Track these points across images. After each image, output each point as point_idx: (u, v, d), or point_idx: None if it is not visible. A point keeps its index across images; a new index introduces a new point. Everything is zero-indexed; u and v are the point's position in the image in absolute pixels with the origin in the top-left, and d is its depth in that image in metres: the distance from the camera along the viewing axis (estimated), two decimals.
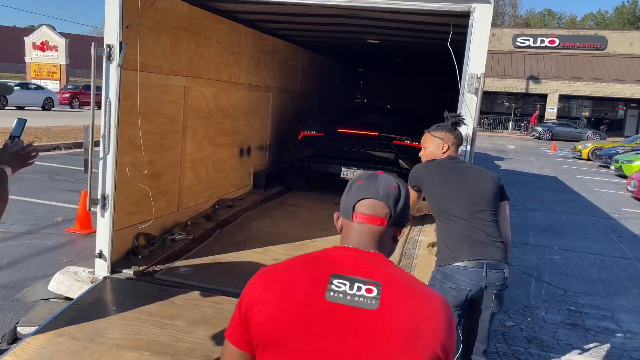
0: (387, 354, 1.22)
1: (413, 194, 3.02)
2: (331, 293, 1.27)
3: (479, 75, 3.60)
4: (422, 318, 1.26)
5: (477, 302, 2.83)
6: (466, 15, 3.67)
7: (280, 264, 1.40)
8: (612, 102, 40.56)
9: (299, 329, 1.25)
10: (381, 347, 1.22)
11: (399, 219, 1.42)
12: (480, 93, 3.59)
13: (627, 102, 39.68)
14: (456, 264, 2.75)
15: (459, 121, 3.03)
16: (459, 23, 3.99)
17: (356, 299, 1.26)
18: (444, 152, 3.02)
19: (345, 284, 1.28)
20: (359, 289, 1.27)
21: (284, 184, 8.59)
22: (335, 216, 1.50)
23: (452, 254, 2.80)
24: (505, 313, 5.14)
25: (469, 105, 3.61)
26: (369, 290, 1.27)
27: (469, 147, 3.58)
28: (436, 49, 6.51)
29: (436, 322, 1.27)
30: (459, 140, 3.06)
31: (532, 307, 5.45)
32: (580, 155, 22.70)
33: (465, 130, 3.65)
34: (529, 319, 5.13)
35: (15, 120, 2.98)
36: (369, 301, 1.26)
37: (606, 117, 41.10)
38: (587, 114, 40.63)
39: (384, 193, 1.41)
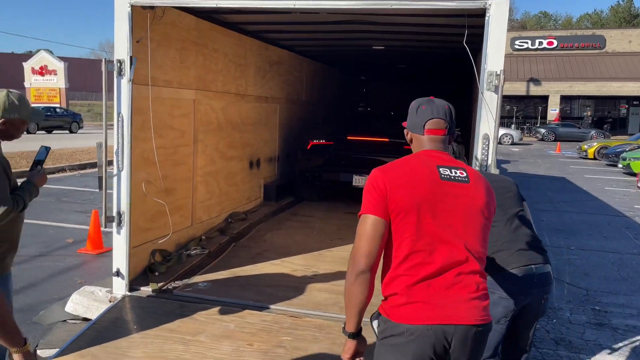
0: (480, 207, 2.01)
1: None
2: (442, 175, 1.99)
3: (498, 73, 3.53)
4: (488, 185, 2.09)
5: (526, 309, 2.72)
6: (481, 13, 3.61)
7: (391, 165, 2.04)
8: (614, 100, 40.48)
9: (430, 197, 1.94)
10: (476, 203, 2.00)
11: (452, 128, 2.12)
12: (500, 90, 3.53)
13: (629, 99, 39.58)
14: (504, 271, 2.63)
15: None
16: (473, 24, 3.94)
17: (457, 177, 2.00)
18: None
19: (447, 170, 2.01)
20: (455, 172, 2.01)
21: (295, 195, 8.52)
22: (405, 132, 2.19)
23: (498, 261, 2.67)
24: None
25: (489, 104, 3.54)
26: (461, 173, 2.02)
27: (492, 146, 3.51)
28: (445, 52, 6.47)
29: (490, 187, 2.11)
30: (455, 154, 2.99)
31: (556, 309, 5.33)
32: (587, 155, 22.58)
33: (486, 129, 3.59)
34: (554, 321, 5.02)
35: (39, 147, 3.01)
36: (464, 179, 2.01)
37: (609, 115, 40.99)
38: (589, 113, 40.54)
39: (442, 112, 2.09)
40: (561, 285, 6.04)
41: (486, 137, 3.53)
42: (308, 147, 8.29)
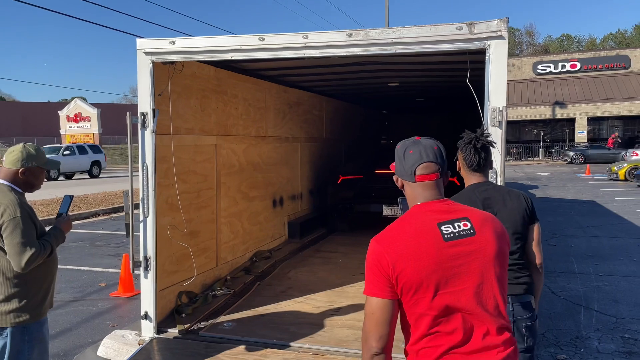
0: (492, 255, 1.84)
1: None
2: (446, 235, 1.82)
3: (500, 109, 3.65)
4: (497, 226, 1.91)
5: None
6: (482, 52, 3.76)
7: (389, 231, 1.87)
8: None
9: (438, 266, 1.79)
10: (487, 253, 1.84)
11: (444, 169, 1.95)
12: (504, 125, 3.63)
13: None
14: None
15: (477, 139, 2.87)
16: (476, 59, 4.09)
17: (462, 232, 1.83)
18: (469, 175, 2.92)
19: (449, 226, 1.83)
20: (459, 226, 1.84)
21: (327, 226, 9.01)
22: (395, 178, 2.02)
23: None
24: (556, 345, 4.98)
25: (494, 139, 3.64)
26: (465, 225, 1.85)
27: (499, 180, 3.59)
28: (456, 85, 6.61)
29: (501, 226, 1.94)
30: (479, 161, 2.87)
31: (583, 338, 5.26)
32: (617, 177, 22.14)
33: (493, 164, 3.67)
34: (582, 350, 4.96)
35: (63, 197, 3.25)
36: (469, 231, 1.84)
37: (639, 135, 40.20)
38: (617, 134, 39.81)
39: (431, 155, 1.92)
40: (589, 313, 5.95)
41: (494, 172, 3.62)
42: (338, 182, 8.81)
